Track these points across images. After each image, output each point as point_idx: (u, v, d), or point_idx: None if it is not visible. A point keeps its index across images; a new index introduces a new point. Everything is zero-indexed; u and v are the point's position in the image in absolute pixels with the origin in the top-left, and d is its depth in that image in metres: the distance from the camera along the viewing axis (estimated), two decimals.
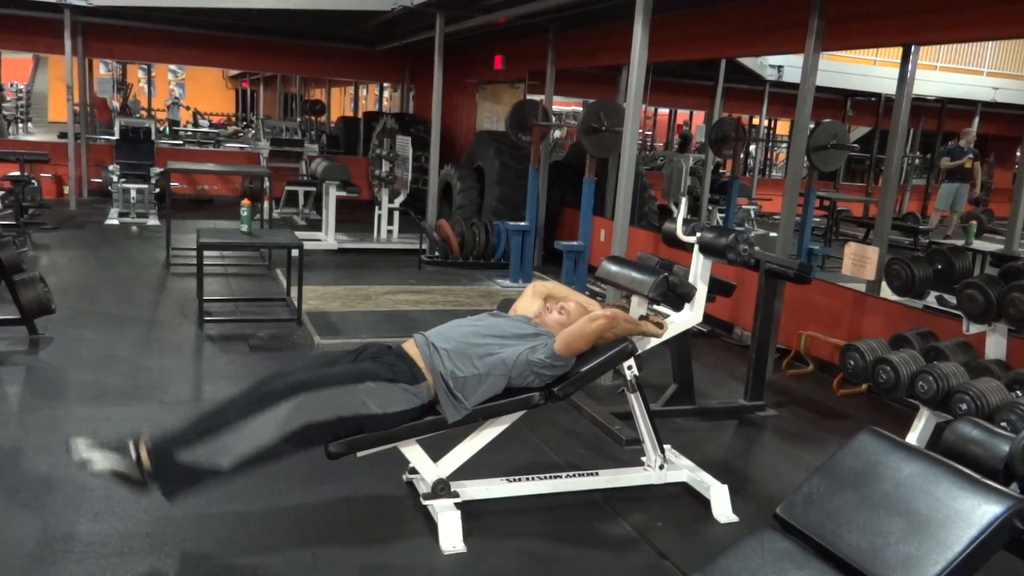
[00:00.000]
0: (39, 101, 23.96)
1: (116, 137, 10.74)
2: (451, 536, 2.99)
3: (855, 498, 1.90)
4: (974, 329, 4.21)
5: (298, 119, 17.97)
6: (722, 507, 3.40)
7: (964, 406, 3.58)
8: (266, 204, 8.84)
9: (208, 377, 4.81)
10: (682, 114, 20.24)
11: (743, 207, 11.71)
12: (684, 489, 3.56)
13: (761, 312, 4.65)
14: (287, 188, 11.25)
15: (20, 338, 5.00)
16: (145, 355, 4.97)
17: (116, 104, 19.70)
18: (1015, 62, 13.06)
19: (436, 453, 3.12)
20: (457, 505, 3.07)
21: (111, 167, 10.31)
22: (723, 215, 10.35)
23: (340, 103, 23.32)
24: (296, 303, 5.82)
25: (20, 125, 20.84)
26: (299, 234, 7.13)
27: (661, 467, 3.53)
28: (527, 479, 3.37)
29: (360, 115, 17.02)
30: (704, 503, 3.44)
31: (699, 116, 18.34)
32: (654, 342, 3.33)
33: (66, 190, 11.08)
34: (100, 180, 11.16)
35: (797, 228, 7.05)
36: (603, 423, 4.18)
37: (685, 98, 15.31)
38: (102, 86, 17.23)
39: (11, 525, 2.95)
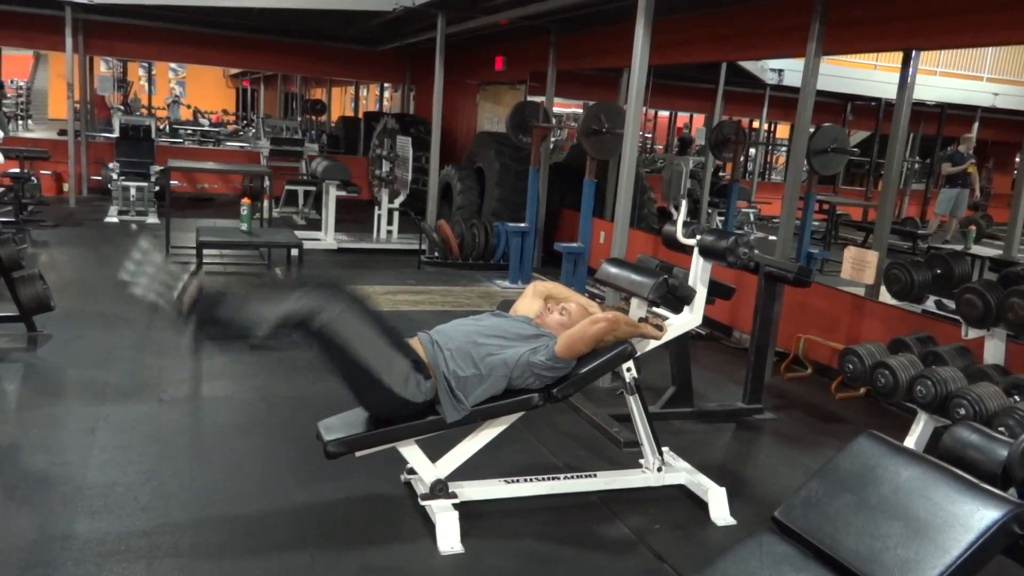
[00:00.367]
0: (39, 98, 23.95)
1: (116, 135, 10.74)
2: (449, 537, 2.99)
3: (853, 502, 1.90)
4: (973, 334, 4.22)
5: (298, 118, 17.98)
6: (720, 510, 3.40)
7: (962, 411, 3.58)
8: (266, 203, 8.85)
9: (207, 376, 4.81)
10: (682, 117, 20.27)
11: (743, 210, 11.72)
12: (682, 492, 3.56)
13: (760, 315, 4.65)
14: (287, 187, 11.25)
15: (19, 335, 4.99)
16: (144, 353, 4.97)
17: (114, 103, 19.71)
18: (1015, 68, 13.08)
19: (434, 454, 3.12)
20: (455, 506, 3.07)
21: (111, 165, 10.31)
22: (723, 218, 10.36)
23: (341, 103, 23.33)
24: None
25: (20, 122, 20.83)
26: (299, 233, 7.15)
27: (659, 469, 3.52)
28: (525, 480, 3.37)
29: (360, 115, 17.03)
30: (702, 506, 3.44)
31: (699, 119, 18.37)
32: (653, 344, 3.33)
33: (66, 187, 11.08)
34: (100, 178, 11.16)
35: (797, 231, 7.06)
36: (601, 425, 4.17)
37: (685, 101, 15.32)
38: (103, 84, 17.23)
39: (8, 523, 2.95)
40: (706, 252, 3.56)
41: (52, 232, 8.62)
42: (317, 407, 4.03)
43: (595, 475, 3.52)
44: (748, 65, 11.02)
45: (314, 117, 18.83)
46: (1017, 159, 16.12)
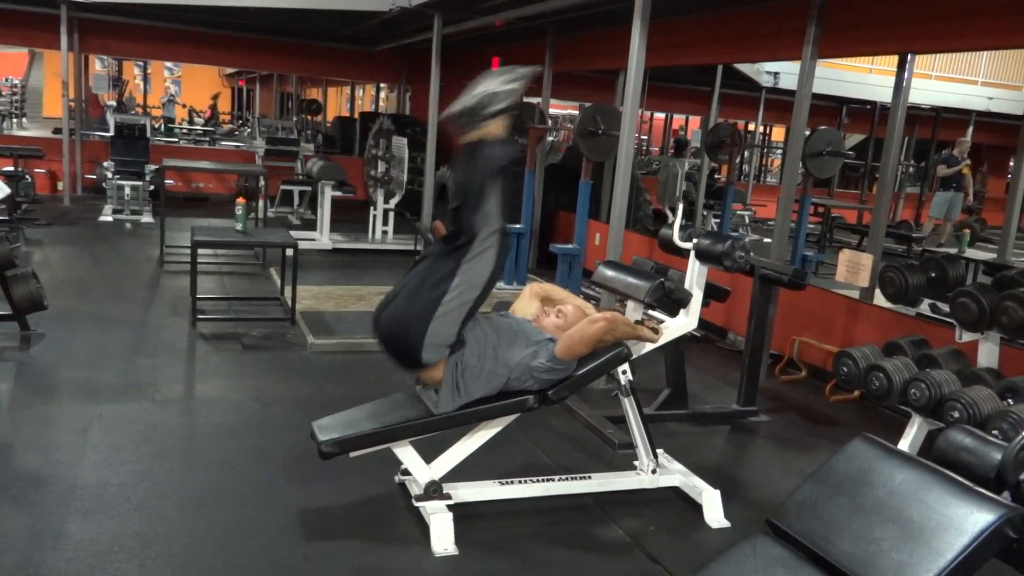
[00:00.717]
0: (34, 96, 23.88)
1: (111, 133, 10.71)
2: (443, 538, 2.98)
3: (848, 505, 1.90)
4: (967, 337, 4.22)
5: (294, 118, 17.95)
6: (714, 512, 3.40)
7: (956, 414, 3.59)
8: (261, 203, 8.82)
9: (200, 376, 4.79)
10: (678, 119, 20.29)
11: (738, 212, 11.74)
12: (676, 494, 3.56)
13: (755, 317, 4.66)
14: (282, 187, 11.23)
15: (12, 334, 4.97)
16: (137, 352, 4.95)
17: (106, 100, 19.64)
18: (1009, 72, 13.13)
19: (429, 455, 3.12)
20: (449, 507, 3.06)
21: (106, 163, 10.28)
22: (718, 220, 10.37)
23: (336, 103, 23.31)
24: (290, 302, 5.81)
25: (15, 120, 20.76)
26: (294, 233, 7.13)
27: (654, 471, 3.52)
28: (520, 482, 3.37)
29: (356, 115, 17.01)
30: (696, 508, 3.44)
31: (695, 121, 18.39)
32: (649, 347, 3.34)
33: (60, 186, 11.04)
34: (94, 176, 11.13)
35: (792, 234, 7.07)
36: (596, 427, 4.17)
37: (681, 103, 15.35)
38: (98, 82, 17.18)
39: (0, 523, 2.93)
40: (703, 256, 3.56)
41: (46, 231, 8.59)
42: (311, 407, 4.04)
43: (590, 477, 3.51)
44: (744, 68, 11.04)
45: (310, 117, 18.80)
46: (1011, 163, 16.18)
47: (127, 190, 9.85)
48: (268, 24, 11.87)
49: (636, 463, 3.60)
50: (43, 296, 5.04)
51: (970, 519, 1.71)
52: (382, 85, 18.39)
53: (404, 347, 2.88)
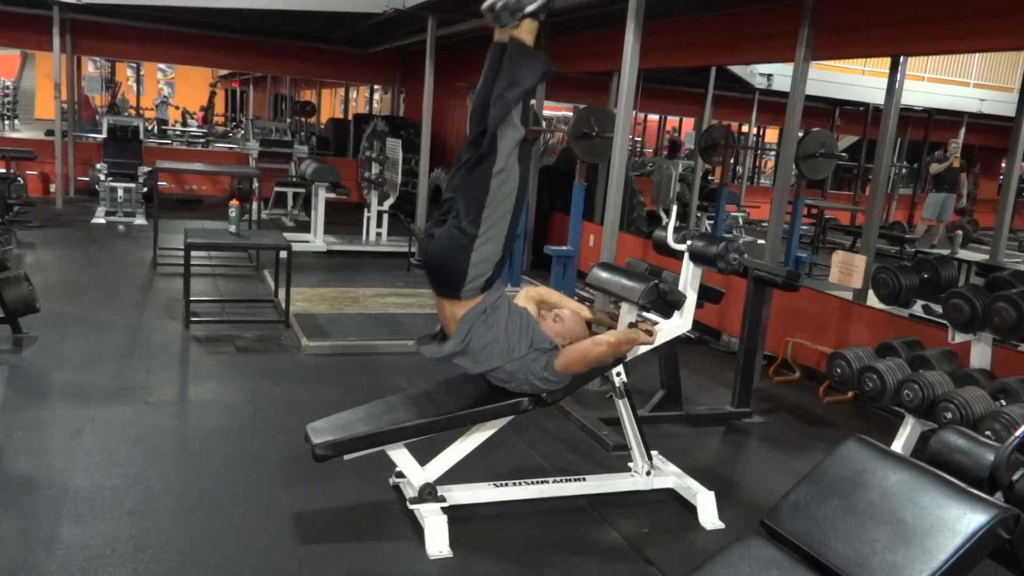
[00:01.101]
0: (26, 98, 23.80)
1: (104, 135, 10.68)
2: (437, 541, 2.98)
3: (841, 506, 1.90)
4: (959, 338, 4.24)
5: (288, 120, 17.92)
6: (709, 513, 3.41)
7: (949, 415, 3.60)
8: (254, 205, 8.80)
9: (194, 378, 4.78)
10: (672, 121, 20.32)
11: (732, 214, 11.76)
12: (671, 495, 3.57)
13: (749, 319, 4.66)
14: (276, 189, 11.20)
15: (4, 337, 4.95)
16: (130, 355, 4.93)
17: (98, 104, 19.58)
18: (1001, 74, 13.19)
19: (423, 457, 3.11)
20: (444, 510, 3.06)
21: (98, 165, 10.24)
22: (712, 222, 10.39)
23: (330, 105, 23.28)
24: (284, 305, 5.80)
25: (6, 122, 20.69)
26: (287, 235, 7.10)
27: (648, 473, 3.53)
28: (514, 484, 3.37)
29: (350, 117, 16.99)
30: (691, 509, 3.44)
31: (689, 123, 18.42)
32: (643, 349, 3.34)
33: (52, 188, 11.01)
34: (87, 178, 11.09)
35: (785, 236, 7.09)
36: (591, 428, 4.18)
37: (675, 105, 15.38)
38: (90, 84, 17.13)
39: None
40: (697, 258, 3.57)
41: (38, 233, 8.56)
42: (305, 410, 4.03)
43: (584, 479, 3.51)
44: (738, 70, 11.07)
45: (303, 119, 18.79)
46: (1003, 164, 16.24)
47: (120, 192, 9.82)
48: (261, 26, 11.85)
49: (630, 465, 3.60)
50: (35, 299, 5.02)
51: (963, 520, 1.72)
52: (376, 87, 18.38)
53: (453, 273, 2.90)
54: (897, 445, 3.92)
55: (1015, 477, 1.90)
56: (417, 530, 3.06)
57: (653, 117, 19.97)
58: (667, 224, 3.81)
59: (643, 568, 3.04)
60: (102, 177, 9.91)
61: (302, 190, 10.89)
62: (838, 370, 4.29)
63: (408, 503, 3.12)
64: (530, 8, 2.75)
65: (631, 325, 3.33)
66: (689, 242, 3.61)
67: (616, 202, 5.09)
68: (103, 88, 19.79)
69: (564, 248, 7.07)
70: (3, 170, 8.85)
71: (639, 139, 20.47)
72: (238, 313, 6.05)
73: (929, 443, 2.11)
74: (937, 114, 13.59)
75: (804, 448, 4.41)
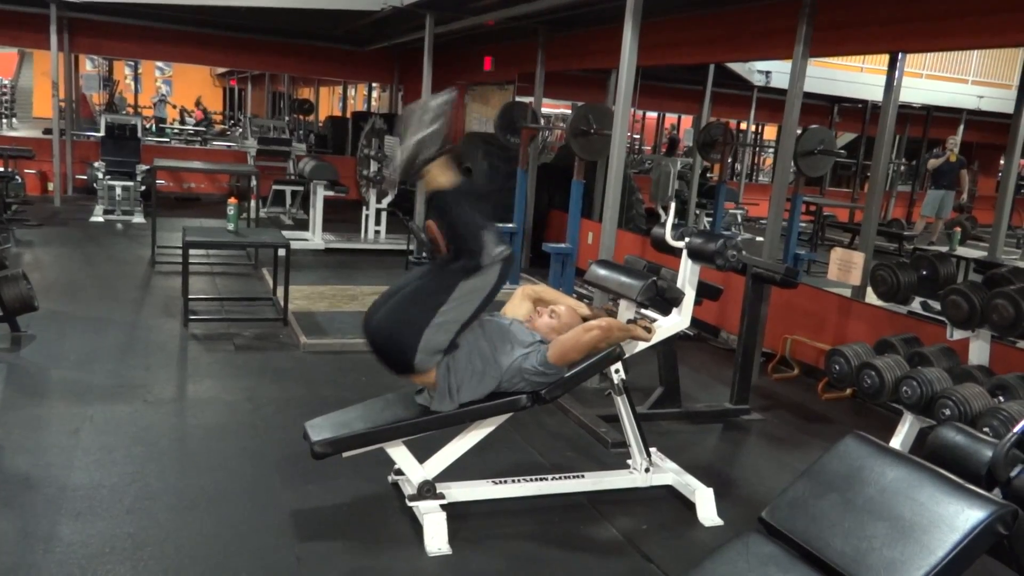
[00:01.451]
0: (23, 96, 23.76)
1: (102, 134, 10.67)
2: (436, 538, 2.98)
3: (840, 502, 1.90)
4: (958, 335, 4.24)
5: (286, 118, 17.90)
6: (707, 510, 3.41)
7: (947, 411, 3.61)
8: (253, 203, 8.79)
9: (192, 376, 4.78)
10: (670, 118, 20.31)
11: (730, 211, 11.76)
12: (669, 492, 3.57)
13: (747, 316, 4.66)
14: (274, 187, 11.20)
15: (2, 336, 4.95)
16: (129, 354, 4.93)
17: (96, 104, 19.55)
18: (1000, 71, 13.19)
19: (422, 455, 3.11)
20: (442, 507, 3.06)
21: (96, 164, 10.23)
22: (710, 219, 10.39)
23: (328, 103, 23.25)
24: (282, 303, 5.79)
25: (4, 120, 20.66)
26: (286, 233, 7.10)
27: (647, 470, 3.53)
28: (513, 481, 3.37)
29: (348, 115, 16.97)
30: (689, 506, 3.45)
31: (687, 120, 18.41)
32: (642, 346, 3.34)
33: (51, 187, 10.99)
34: (85, 177, 11.08)
35: (784, 233, 7.09)
36: (589, 425, 4.18)
37: (673, 102, 15.36)
38: (88, 82, 17.11)
39: None
40: (695, 255, 3.57)
41: (36, 232, 8.55)
42: (303, 408, 4.03)
43: (583, 476, 3.52)
44: (736, 67, 11.06)
45: (302, 117, 18.76)
46: (1001, 161, 16.25)
47: (118, 190, 9.81)
48: (259, 23, 11.83)
49: (629, 462, 3.60)
50: (34, 297, 5.02)
51: (961, 516, 1.72)
52: (374, 84, 18.35)
53: (396, 352, 2.85)
54: (896, 442, 3.93)
55: (1013, 473, 1.90)
56: (416, 527, 3.06)
57: (651, 114, 19.95)
58: (665, 221, 3.81)
59: (642, 565, 3.04)
60: (100, 175, 9.90)
61: (300, 188, 10.88)
62: (836, 367, 4.29)
63: (407, 500, 3.12)
64: (424, 159, 2.75)
65: (630, 322, 3.33)
66: (687, 239, 3.61)
67: (615, 199, 5.09)
68: (101, 87, 19.76)
69: (562, 246, 7.07)
70: (1, 169, 8.84)
71: (637, 136, 20.45)
72: (237, 311, 6.04)
73: (927, 439, 2.11)
74: (936, 111, 13.59)
75: (803, 445, 4.42)
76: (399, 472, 3.23)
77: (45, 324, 5.21)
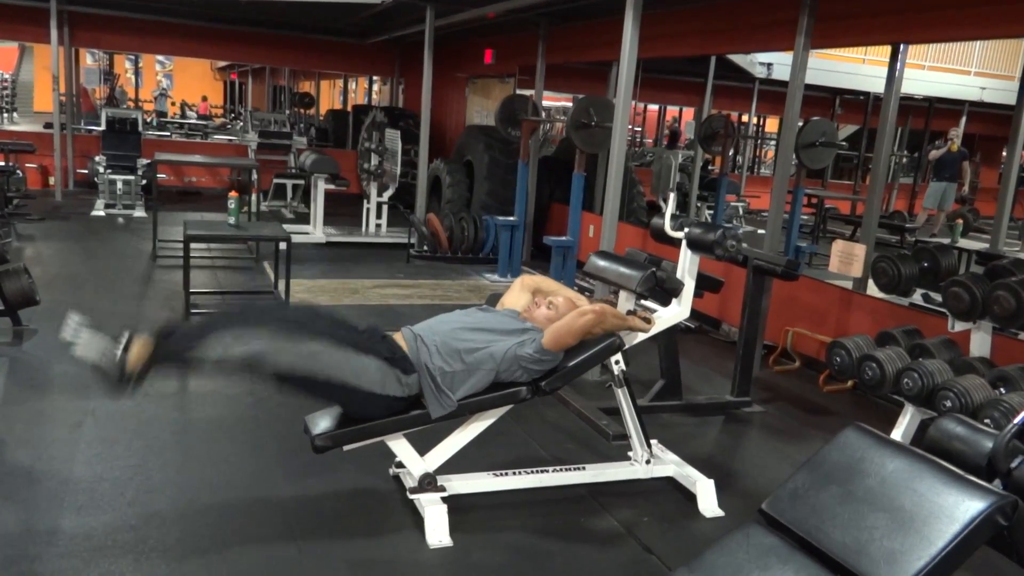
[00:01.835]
0: (24, 91, 23.75)
1: (103, 128, 10.66)
2: (437, 530, 2.99)
3: (840, 494, 1.90)
4: (959, 327, 4.24)
5: (287, 111, 17.88)
6: (708, 502, 3.41)
7: (948, 403, 3.61)
8: (254, 197, 8.79)
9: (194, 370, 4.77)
10: (672, 111, 20.27)
11: (731, 204, 11.75)
12: (670, 484, 3.57)
13: (749, 308, 4.66)
14: (275, 181, 11.20)
15: (4, 330, 4.95)
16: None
17: (97, 98, 19.55)
18: (1002, 62, 13.15)
19: (423, 447, 3.12)
20: (443, 499, 3.06)
21: (97, 158, 10.23)
22: (712, 212, 10.38)
23: (329, 96, 23.23)
24: (283, 296, 5.80)
25: (5, 115, 20.65)
26: (287, 227, 7.10)
27: (648, 462, 3.53)
28: (514, 473, 3.37)
29: (349, 108, 16.96)
30: (690, 498, 3.45)
31: (689, 113, 18.37)
32: (642, 337, 3.34)
33: (52, 181, 10.99)
34: (86, 171, 11.08)
35: (785, 225, 7.08)
36: (590, 418, 4.17)
37: (675, 94, 15.34)
38: (89, 76, 17.09)
39: None
40: (694, 245, 3.56)
41: (38, 226, 8.56)
42: (304, 401, 4.02)
43: (584, 468, 3.52)
44: (737, 59, 11.04)
45: (302, 110, 18.74)
46: (1004, 153, 16.22)
47: (119, 184, 9.81)
48: (260, 17, 11.81)
49: (630, 454, 3.60)
50: (35, 291, 5.02)
51: (961, 507, 1.72)
52: (375, 78, 18.32)
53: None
54: (897, 433, 3.93)
55: (1013, 464, 1.89)
56: (417, 520, 3.07)
57: (653, 107, 19.92)
58: (665, 212, 3.80)
59: (642, 556, 3.04)
60: (101, 170, 9.90)
61: (301, 181, 10.89)
62: (838, 359, 4.29)
63: (408, 493, 3.13)
64: None
65: (629, 313, 3.33)
66: (686, 229, 3.61)
67: (616, 192, 5.08)
68: (101, 81, 19.74)
69: (564, 239, 7.07)
70: (2, 163, 8.85)
71: (639, 129, 20.41)
72: (238, 305, 6.05)
73: (928, 431, 2.11)
74: (938, 103, 13.55)
75: (803, 437, 4.42)
76: (400, 465, 3.23)
77: (47, 318, 5.21)
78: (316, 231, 8.88)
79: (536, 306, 3.24)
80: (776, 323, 5.55)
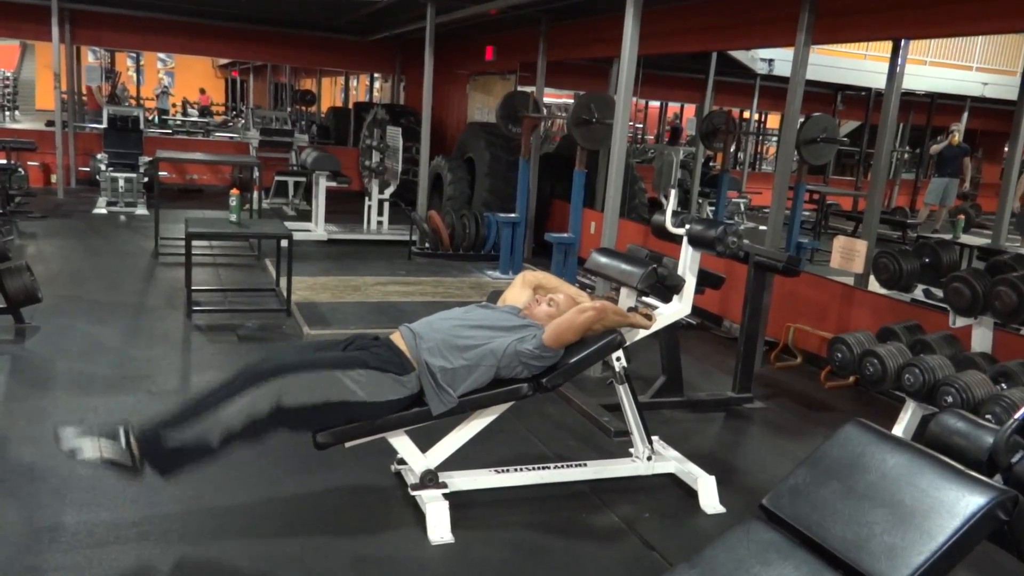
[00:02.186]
0: (26, 89, 23.75)
1: (104, 125, 10.67)
2: (439, 527, 2.99)
3: (840, 489, 1.90)
4: (960, 322, 4.24)
5: (288, 109, 17.87)
6: (709, 498, 3.42)
7: (950, 398, 3.60)
8: (255, 194, 8.79)
9: (196, 367, 4.79)
10: (673, 107, 20.24)
11: (733, 200, 11.73)
12: (672, 480, 3.58)
13: (750, 305, 4.66)
14: (277, 178, 11.20)
15: (6, 327, 4.96)
16: (132, 345, 4.95)
17: (102, 94, 19.53)
18: (1004, 57, 13.12)
19: (424, 444, 3.12)
20: (445, 496, 3.07)
21: (99, 156, 10.23)
22: (713, 208, 10.37)
23: (330, 93, 23.21)
24: (285, 293, 5.80)
25: (7, 113, 20.66)
26: (289, 224, 7.10)
27: (649, 458, 3.54)
28: (515, 470, 3.38)
29: (351, 105, 16.94)
30: (691, 494, 3.46)
31: (690, 109, 18.34)
32: (643, 334, 3.34)
33: (54, 178, 11.00)
34: (88, 169, 11.09)
35: (786, 221, 7.07)
36: (592, 414, 4.18)
37: (676, 91, 15.31)
38: (90, 74, 17.07)
39: None
40: (695, 241, 3.56)
41: (40, 223, 8.57)
42: None
43: (585, 464, 3.52)
44: (738, 55, 11.01)
45: (304, 108, 18.74)
46: (1006, 148, 16.18)
47: (121, 182, 9.82)
48: (261, 14, 11.80)
49: (631, 450, 3.61)
50: (37, 289, 5.03)
51: (962, 502, 1.72)
52: (376, 75, 18.31)
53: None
54: (898, 429, 3.93)
55: (1014, 459, 1.89)
56: (419, 516, 3.07)
57: (654, 103, 19.89)
58: (666, 208, 3.80)
59: (644, 552, 3.05)
60: (103, 167, 9.91)
61: (303, 179, 10.88)
62: (839, 355, 4.29)
63: (410, 489, 3.13)
64: None
65: (630, 310, 3.33)
66: (687, 226, 3.60)
67: (617, 189, 5.08)
68: (103, 78, 19.72)
69: (565, 235, 7.07)
70: (4, 161, 8.85)
71: (640, 126, 20.39)
72: (240, 302, 6.06)
73: (928, 426, 2.11)
74: (939, 98, 13.52)
75: (805, 433, 4.42)
76: (401, 462, 3.24)
77: (49, 316, 5.22)
78: (318, 228, 8.88)
79: (537, 303, 3.24)
80: (777, 319, 5.55)
